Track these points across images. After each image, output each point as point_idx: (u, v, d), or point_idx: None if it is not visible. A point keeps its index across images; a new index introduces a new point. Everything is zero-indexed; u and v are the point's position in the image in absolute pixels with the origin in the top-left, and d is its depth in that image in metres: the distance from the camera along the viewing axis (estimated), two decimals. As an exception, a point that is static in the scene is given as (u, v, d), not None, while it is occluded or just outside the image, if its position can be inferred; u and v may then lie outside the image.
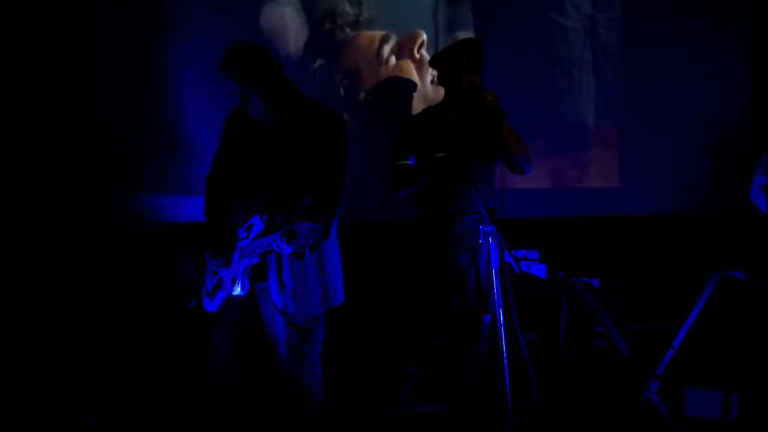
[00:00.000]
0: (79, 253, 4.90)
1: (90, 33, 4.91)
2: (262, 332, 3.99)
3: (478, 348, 4.46)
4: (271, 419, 4.05)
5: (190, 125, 4.99)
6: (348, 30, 5.31)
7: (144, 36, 4.98)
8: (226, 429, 4.05)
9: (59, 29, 4.86)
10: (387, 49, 5.34)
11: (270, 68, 3.86)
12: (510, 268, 4.07)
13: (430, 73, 5.34)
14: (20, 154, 4.84)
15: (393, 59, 5.35)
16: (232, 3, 5.12)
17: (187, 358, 4.84)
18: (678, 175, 5.59)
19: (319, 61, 5.29)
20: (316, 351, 3.99)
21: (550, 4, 5.54)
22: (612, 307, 4.45)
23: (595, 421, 4.62)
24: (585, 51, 5.58)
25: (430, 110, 4.51)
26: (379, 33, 5.33)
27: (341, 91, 5.30)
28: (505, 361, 4.02)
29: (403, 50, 5.36)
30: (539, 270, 4.12)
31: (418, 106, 5.27)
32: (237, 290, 3.88)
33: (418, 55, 5.35)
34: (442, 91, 4.44)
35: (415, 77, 5.36)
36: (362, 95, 5.35)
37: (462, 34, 5.31)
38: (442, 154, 4.25)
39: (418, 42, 5.34)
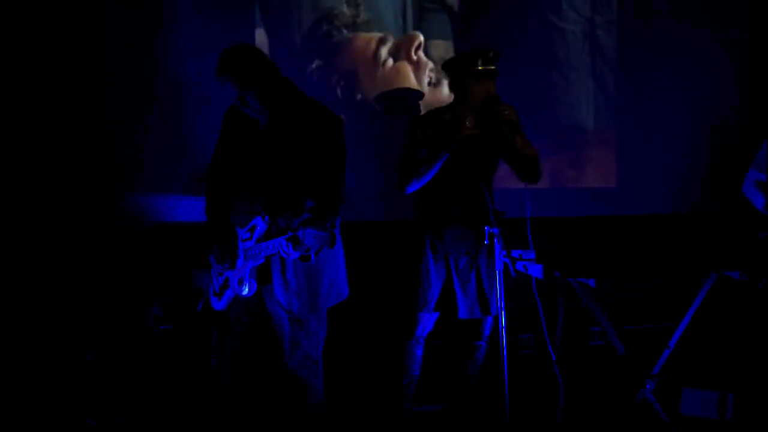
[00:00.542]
0: (78, 253, 4.89)
1: (90, 33, 4.91)
2: (267, 331, 4.01)
3: (478, 349, 4.48)
4: (272, 418, 4.06)
5: (190, 125, 5.00)
6: (345, 32, 5.32)
7: (144, 36, 4.98)
8: (226, 429, 4.06)
9: (59, 29, 4.85)
10: (384, 50, 5.34)
11: (267, 69, 3.87)
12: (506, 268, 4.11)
13: (427, 75, 5.36)
14: (19, 154, 4.83)
15: (390, 61, 5.36)
16: (231, 3, 5.14)
17: (187, 358, 4.84)
18: (674, 175, 5.60)
19: (316, 63, 5.30)
20: (318, 349, 4.01)
21: (548, 7, 5.55)
22: (608, 307, 4.47)
23: (591, 420, 4.63)
24: (584, 54, 5.60)
25: (437, 112, 4.51)
26: (376, 35, 5.34)
27: (338, 92, 5.31)
28: (505, 361, 4.05)
29: (400, 52, 5.36)
30: (535, 270, 4.15)
31: (415, 108, 5.28)
32: (245, 291, 3.90)
33: (415, 57, 5.36)
34: (439, 93, 4.46)
35: (412, 79, 5.36)
36: (359, 97, 5.36)
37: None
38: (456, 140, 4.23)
39: (415, 44, 5.35)
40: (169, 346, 4.87)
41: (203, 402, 4.56)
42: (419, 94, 5.34)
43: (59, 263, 4.86)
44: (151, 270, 4.97)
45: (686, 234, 5.55)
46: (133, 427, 4.70)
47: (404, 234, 4.53)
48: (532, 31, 5.52)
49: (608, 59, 5.63)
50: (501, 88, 4.38)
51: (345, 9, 5.31)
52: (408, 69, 5.37)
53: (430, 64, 5.35)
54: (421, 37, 5.36)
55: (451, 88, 4.49)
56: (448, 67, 4.47)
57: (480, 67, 4.28)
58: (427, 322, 4.42)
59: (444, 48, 5.38)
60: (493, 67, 4.30)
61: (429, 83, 5.36)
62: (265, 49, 4.89)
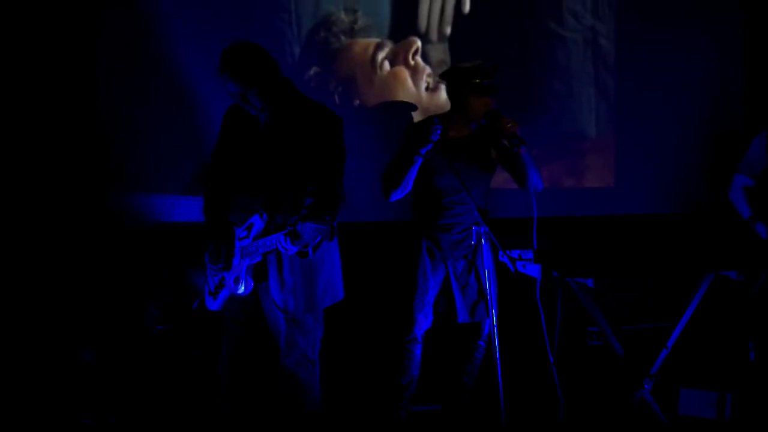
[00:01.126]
0: (76, 252, 4.90)
1: (88, 32, 4.94)
2: (262, 330, 4.00)
3: (478, 349, 4.49)
4: (269, 417, 4.06)
5: (189, 125, 5.01)
6: (343, 38, 5.35)
7: (143, 36, 5.00)
8: (222, 428, 4.05)
9: (57, 29, 4.88)
10: (381, 56, 5.37)
11: (268, 68, 3.88)
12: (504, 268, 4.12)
13: (425, 80, 5.38)
14: (17, 154, 4.85)
15: (387, 66, 5.39)
16: (231, 3, 5.16)
17: (182, 358, 4.83)
18: (672, 175, 5.62)
19: (314, 69, 5.32)
20: (315, 348, 4.00)
21: (550, 15, 5.58)
22: (606, 307, 4.48)
23: (589, 420, 4.63)
24: (586, 61, 5.63)
25: (432, 120, 4.52)
26: (373, 40, 5.37)
27: (336, 98, 5.33)
28: (498, 362, 4.05)
29: (397, 57, 5.39)
30: (534, 270, 4.15)
31: (412, 113, 5.30)
32: (241, 289, 3.89)
33: (412, 62, 5.38)
34: (436, 98, 4.47)
35: (410, 84, 5.39)
36: (357, 102, 5.38)
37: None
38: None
39: (413, 49, 5.38)
40: (167, 346, 4.87)
41: (200, 401, 4.55)
42: (416, 99, 5.36)
43: (57, 263, 4.87)
44: (150, 270, 4.97)
45: (684, 234, 5.57)
46: (126, 427, 4.68)
47: (403, 234, 4.53)
48: (532, 39, 5.55)
49: (608, 65, 5.66)
50: (502, 93, 4.40)
51: (343, 15, 5.34)
52: (405, 74, 5.39)
53: (428, 69, 5.38)
54: (419, 42, 5.39)
55: (449, 95, 4.50)
56: (446, 77, 4.47)
57: (478, 81, 4.30)
58: (423, 322, 4.42)
59: (442, 52, 5.41)
60: (491, 83, 4.31)
61: (426, 88, 5.38)
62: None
